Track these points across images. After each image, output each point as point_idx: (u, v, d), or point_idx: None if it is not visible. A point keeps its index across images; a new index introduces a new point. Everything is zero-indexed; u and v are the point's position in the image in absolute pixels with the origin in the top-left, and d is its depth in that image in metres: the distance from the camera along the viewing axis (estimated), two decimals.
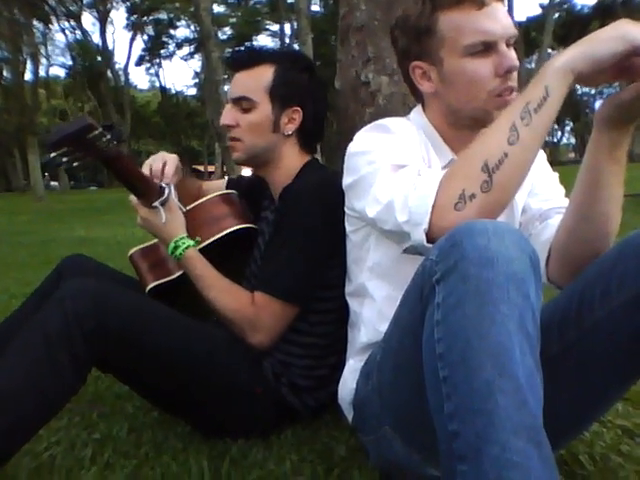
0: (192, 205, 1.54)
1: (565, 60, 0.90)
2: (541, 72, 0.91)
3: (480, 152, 0.91)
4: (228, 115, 1.48)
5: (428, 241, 0.91)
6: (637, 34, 0.86)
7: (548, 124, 0.91)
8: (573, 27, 33.71)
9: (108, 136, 1.24)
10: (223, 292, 1.41)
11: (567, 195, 1.15)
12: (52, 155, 1.21)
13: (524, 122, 0.89)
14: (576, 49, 0.90)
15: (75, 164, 1.25)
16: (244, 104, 1.45)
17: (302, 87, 1.46)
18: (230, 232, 1.50)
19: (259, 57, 1.48)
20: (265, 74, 1.45)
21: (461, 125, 1.13)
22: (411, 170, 0.99)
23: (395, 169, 1.02)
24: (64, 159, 1.23)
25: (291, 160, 1.49)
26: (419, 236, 0.92)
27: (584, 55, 0.89)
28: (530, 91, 0.91)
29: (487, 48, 1.07)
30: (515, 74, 1.10)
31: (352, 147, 1.15)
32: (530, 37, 29.38)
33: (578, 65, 0.89)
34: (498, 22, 1.07)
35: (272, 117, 1.45)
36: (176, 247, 1.43)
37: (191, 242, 1.45)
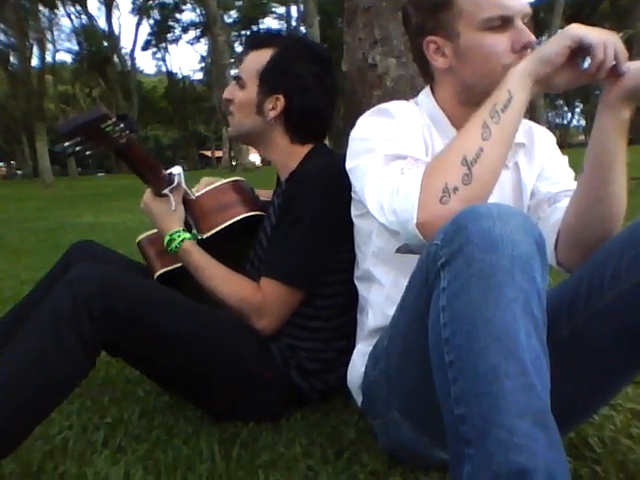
0: (201, 192, 1.54)
1: (522, 66, 0.99)
2: (505, 77, 1.00)
3: (458, 148, 0.96)
4: (228, 89, 1.53)
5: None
6: (581, 32, 0.95)
7: (515, 121, 0.99)
8: (582, 7, 33.27)
9: (121, 125, 1.25)
10: (225, 281, 1.41)
11: (576, 177, 1.15)
12: (65, 144, 1.22)
13: (494, 120, 0.97)
14: (532, 55, 1.00)
15: (87, 153, 1.26)
16: (240, 82, 1.50)
17: (292, 76, 1.45)
18: (238, 220, 1.50)
19: (265, 40, 1.50)
20: (263, 57, 1.46)
21: (472, 102, 1.12)
22: (400, 165, 1.00)
23: (387, 161, 1.03)
24: (77, 148, 1.23)
25: (284, 148, 1.49)
26: (409, 233, 0.94)
27: (537, 58, 0.98)
28: (496, 94, 0.99)
29: (504, 23, 1.08)
30: (530, 51, 1.09)
31: (354, 132, 1.16)
32: (539, 18, 29.03)
33: (533, 68, 0.98)
34: None
35: (256, 100, 1.47)
36: (171, 240, 1.45)
37: (187, 235, 1.46)
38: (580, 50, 0.95)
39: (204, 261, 1.43)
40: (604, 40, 0.94)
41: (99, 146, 1.26)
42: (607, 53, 0.94)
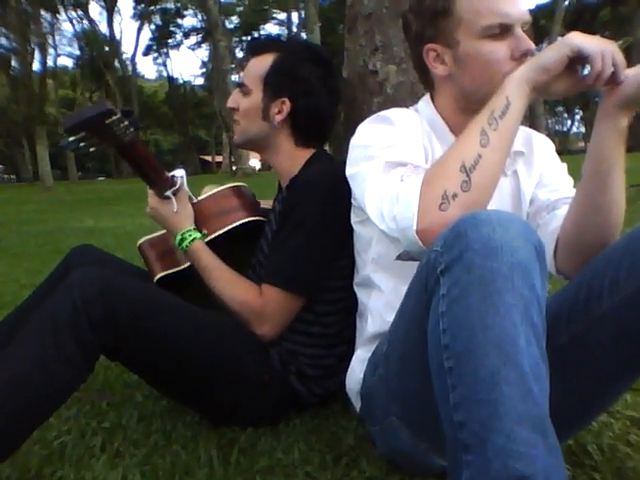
0: (203, 196, 1.55)
1: (520, 73, 0.99)
2: (503, 84, 1.00)
3: (457, 155, 0.96)
4: (232, 98, 1.53)
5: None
6: (579, 41, 0.95)
7: (513, 128, 0.99)
8: (583, 14, 33.39)
9: (126, 122, 1.25)
10: (230, 284, 1.41)
11: (576, 185, 1.15)
12: (70, 139, 1.22)
13: (492, 127, 0.97)
14: (530, 62, 1.00)
15: (92, 149, 1.26)
16: (243, 89, 1.50)
17: (296, 79, 1.45)
18: (239, 225, 1.51)
19: (266, 45, 1.51)
20: (265, 62, 1.47)
21: (471, 110, 1.13)
22: (400, 173, 1.01)
23: (387, 169, 1.03)
24: (81, 144, 1.24)
25: (289, 152, 1.50)
26: (409, 240, 0.95)
27: (535, 66, 0.98)
28: (494, 101, 0.99)
29: (504, 31, 1.08)
30: (529, 58, 1.09)
31: (354, 139, 1.16)
32: (539, 25, 29.08)
33: (531, 75, 0.98)
34: (515, 5, 1.08)
35: (262, 105, 1.47)
36: (182, 239, 1.45)
37: (198, 234, 1.46)
38: (579, 59, 0.96)
39: (212, 262, 1.43)
40: (602, 49, 0.94)
41: (103, 142, 1.26)
42: (605, 62, 0.94)
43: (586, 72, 0.96)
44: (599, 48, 0.94)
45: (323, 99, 1.48)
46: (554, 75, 0.97)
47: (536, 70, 0.98)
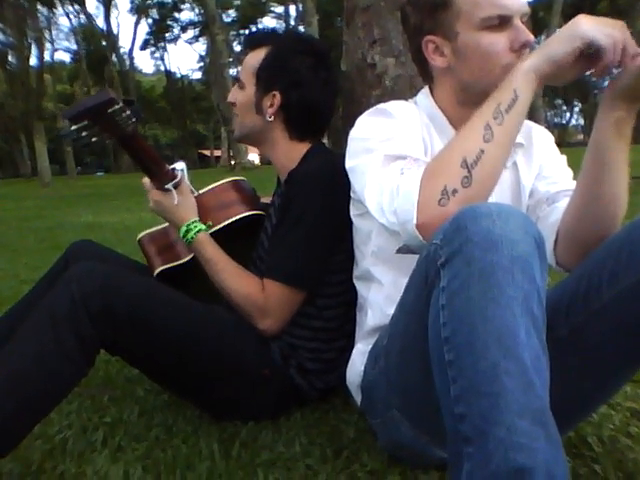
0: (203, 190, 1.55)
1: (529, 64, 0.97)
2: (510, 76, 0.98)
3: (459, 149, 0.95)
4: (231, 93, 1.55)
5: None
6: (589, 30, 0.92)
7: (519, 123, 0.97)
8: (582, 7, 33.27)
9: (128, 112, 1.24)
10: (233, 277, 1.41)
11: (575, 177, 1.15)
12: (72, 128, 1.22)
13: (497, 121, 0.95)
14: (538, 52, 0.97)
15: (93, 139, 1.25)
16: (239, 84, 1.51)
17: (287, 71, 1.44)
18: (239, 219, 1.50)
19: (261, 39, 1.50)
20: (259, 56, 1.47)
21: (470, 102, 1.12)
22: (400, 166, 1.00)
23: (387, 162, 1.03)
24: (83, 134, 1.23)
25: (285, 146, 1.49)
26: (409, 234, 0.94)
27: (545, 57, 0.96)
28: (500, 93, 0.97)
29: (503, 22, 1.07)
30: (528, 50, 1.09)
31: (353, 132, 1.16)
32: (538, 17, 28.98)
33: (541, 67, 0.96)
34: None
35: (254, 99, 1.48)
36: (188, 230, 1.45)
37: (203, 226, 1.46)
38: (589, 47, 0.93)
39: (217, 254, 1.43)
40: (615, 40, 0.92)
41: (105, 132, 1.25)
42: (616, 52, 0.92)
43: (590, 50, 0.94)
44: (612, 39, 0.91)
45: (316, 91, 1.46)
46: (564, 67, 0.95)
47: (546, 62, 0.95)
